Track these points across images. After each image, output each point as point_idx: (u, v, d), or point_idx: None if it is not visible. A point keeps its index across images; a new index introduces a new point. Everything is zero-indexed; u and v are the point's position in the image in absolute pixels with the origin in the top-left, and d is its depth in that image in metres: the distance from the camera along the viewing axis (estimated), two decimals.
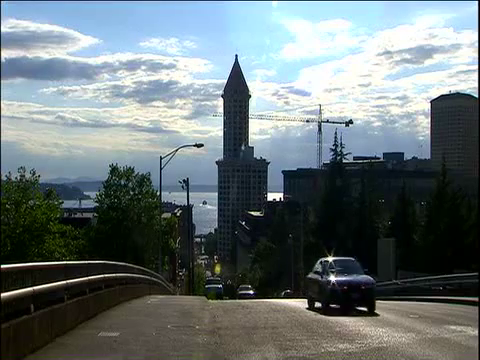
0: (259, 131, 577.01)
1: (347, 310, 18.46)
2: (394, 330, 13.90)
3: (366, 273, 20.31)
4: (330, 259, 21.13)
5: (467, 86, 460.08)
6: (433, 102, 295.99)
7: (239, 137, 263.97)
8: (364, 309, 18.92)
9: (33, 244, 33.06)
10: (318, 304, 20.19)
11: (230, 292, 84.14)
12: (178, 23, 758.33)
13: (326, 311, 18.43)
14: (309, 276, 22.27)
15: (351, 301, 18.90)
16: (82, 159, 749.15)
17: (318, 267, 21.10)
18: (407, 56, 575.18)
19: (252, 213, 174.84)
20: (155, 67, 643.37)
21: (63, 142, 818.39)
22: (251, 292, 61.88)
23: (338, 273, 19.49)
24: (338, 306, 19.08)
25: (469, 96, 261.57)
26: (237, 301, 32.29)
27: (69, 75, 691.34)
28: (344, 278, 19.20)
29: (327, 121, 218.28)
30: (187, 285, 65.57)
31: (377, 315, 17.92)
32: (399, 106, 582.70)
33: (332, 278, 19.13)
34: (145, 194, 48.27)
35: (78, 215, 73.04)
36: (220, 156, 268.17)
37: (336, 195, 65.29)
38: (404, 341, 12.31)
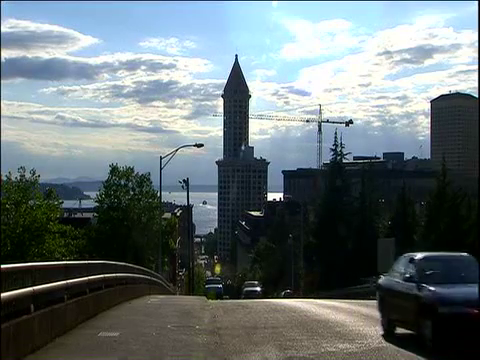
0: (259, 131, 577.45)
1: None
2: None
3: None
4: (426, 255, 13.33)
5: (467, 86, 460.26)
6: (433, 102, 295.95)
7: (239, 137, 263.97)
8: None
9: (33, 244, 33.00)
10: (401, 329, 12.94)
11: (231, 291, 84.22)
12: (178, 23, 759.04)
13: (434, 351, 10.76)
14: (386, 282, 14.01)
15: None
16: (82, 159, 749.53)
17: (406, 268, 12.81)
18: (407, 56, 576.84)
19: (252, 213, 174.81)
20: (155, 67, 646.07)
21: (63, 142, 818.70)
22: (258, 289, 57.81)
23: (448, 282, 11.75)
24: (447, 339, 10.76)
25: (469, 96, 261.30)
26: (237, 301, 32.30)
27: (69, 75, 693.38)
28: (464, 290, 11.17)
29: (327, 121, 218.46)
30: (187, 285, 65.59)
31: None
32: (399, 106, 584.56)
33: (442, 290, 11.26)
34: (145, 194, 48.26)
35: (78, 215, 72.99)
36: (220, 156, 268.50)
37: (336, 195, 65.22)
38: (404, 341, 12.30)
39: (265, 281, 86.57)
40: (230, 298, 56.15)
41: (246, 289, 58.72)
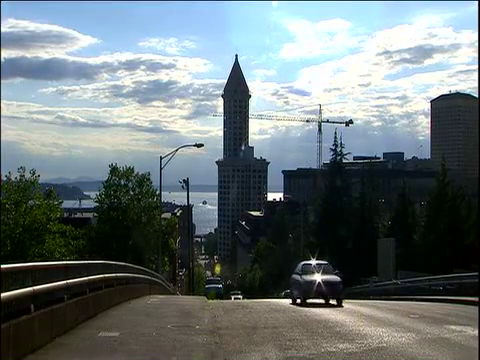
0: (259, 131, 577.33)
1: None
2: (394, 330, 13.89)
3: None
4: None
5: (467, 86, 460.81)
6: (433, 102, 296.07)
7: (239, 137, 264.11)
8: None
9: (33, 244, 33.02)
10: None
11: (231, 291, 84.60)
12: (177, 23, 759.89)
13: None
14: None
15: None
16: (82, 159, 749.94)
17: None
18: (407, 56, 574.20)
19: (252, 213, 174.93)
20: (154, 67, 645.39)
21: (63, 142, 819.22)
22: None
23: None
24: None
25: (469, 96, 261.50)
26: (237, 301, 32.31)
27: (68, 75, 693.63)
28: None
29: (327, 121, 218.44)
30: (187, 285, 65.67)
31: (373, 314, 18.45)
32: (399, 106, 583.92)
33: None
34: (145, 194, 48.28)
35: (78, 215, 73.04)
36: (220, 156, 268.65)
37: (336, 195, 65.29)
38: (404, 341, 12.29)
39: (265, 281, 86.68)
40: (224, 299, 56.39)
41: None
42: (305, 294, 23.02)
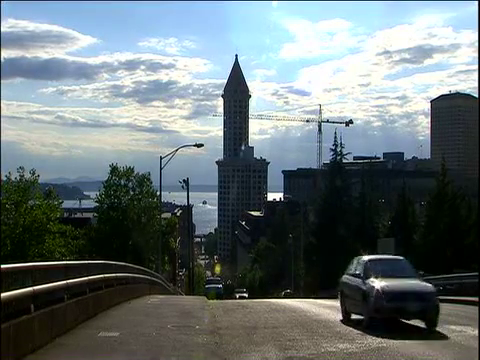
0: (259, 131, 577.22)
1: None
2: (351, 316, 13.88)
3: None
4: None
5: (467, 86, 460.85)
6: (433, 102, 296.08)
7: (239, 137, 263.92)
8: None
9: (33, 244, 33.00)
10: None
11: (231, 291, 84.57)
12: (177, 23, 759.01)
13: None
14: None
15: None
16: (82, 159, 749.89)
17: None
18: (406, 56, 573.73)
19: (252, 213, 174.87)
20: (154, 67, 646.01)
21: (63, 142, 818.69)
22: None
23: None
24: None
25: (469, 96, 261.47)
26: (237, 301, 32.31)
27: (68, 75, 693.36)
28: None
29: (327, 121, 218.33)
30: (187, 285, 65.63)
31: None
32: (399, 106, 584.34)
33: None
34: (145, 194, 48.26)
35: (78, 215, 73.06)
36: (220, 156, 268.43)
37: (336, 195, 65.25)
38: (404, 341, 12.30)
39: (265, 281, 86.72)
40: (226, 298, 56.37)
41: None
42: (378, 311, 14.17)
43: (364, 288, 14.81)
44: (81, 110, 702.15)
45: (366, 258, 16.61)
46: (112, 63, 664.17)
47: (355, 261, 16.98)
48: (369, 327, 13.97)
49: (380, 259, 17.07)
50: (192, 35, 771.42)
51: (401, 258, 17.01)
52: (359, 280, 15.39)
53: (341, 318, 16.51)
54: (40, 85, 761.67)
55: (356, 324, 14.82)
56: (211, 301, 27.38)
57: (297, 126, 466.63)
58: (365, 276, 15.20)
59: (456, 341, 12.53)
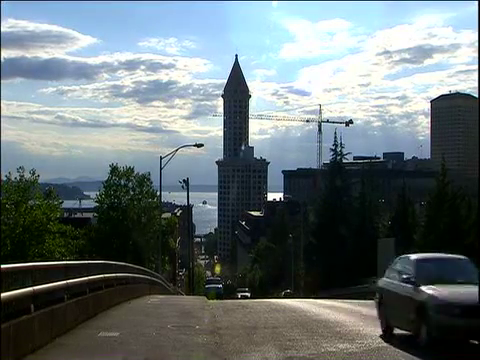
0: (259, 131, 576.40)
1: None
2: (394, 330, 13.87)
3: None
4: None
5: (467, 86, 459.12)
6: (433, 102, 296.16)
7: (239, 137, 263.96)
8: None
9: (33, 244, 33.00)
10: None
11: (232, 291, 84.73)
12: (177, 23, 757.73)
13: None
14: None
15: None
16: (82, 159, 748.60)
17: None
18: (406, 56, 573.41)
19: (252, 213, 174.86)
20: (154, 67, 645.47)
21: (63, 142, 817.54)
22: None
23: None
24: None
25: (469, 96, 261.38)
26: (237, 301, 32.31)
27: (68, 75, 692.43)
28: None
29: (327, 121, 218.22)
30: (187, 285, 65.63)
31: None
32: (399, 106, 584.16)
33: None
34: (145, 194, 48.28)
35: (78, 215, 73.02)
36: (220, 156, 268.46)
37: (336, 195, 65.22)
38: (404, 341, 12.29)
39: (265, 281, 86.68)
40: (228, 298, 56.42)
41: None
42: (442, 331, 10.72)
43: (418, 298, 11.35)
44: (81, 110, 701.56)
45: (415, 257, 13.07)
46: (112, 63, 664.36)
47: (399, 261, 13.56)
48: (428, 348, 10.85)
49: (435, 259, 13.38)
50: (192, 35, 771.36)
51: (463, 257, 13.09)
52: (409, 286, 11.91)
53: (343, 318, 16.50)
54: (40, 85, 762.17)
55: (401, 342, 11.92)
56: (211, 301, 27.39)
57: (297, 126, 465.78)
58: (418, 281, 11.74)
59: None
